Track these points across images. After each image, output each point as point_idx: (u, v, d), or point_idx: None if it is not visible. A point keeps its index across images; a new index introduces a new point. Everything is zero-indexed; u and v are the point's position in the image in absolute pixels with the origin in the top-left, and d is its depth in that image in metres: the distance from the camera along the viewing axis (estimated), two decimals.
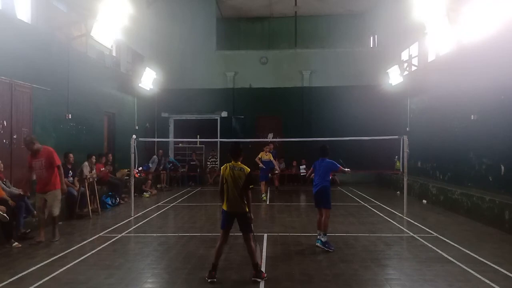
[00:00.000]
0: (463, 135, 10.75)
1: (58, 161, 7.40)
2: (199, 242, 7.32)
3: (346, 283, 5.19)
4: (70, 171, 9.84)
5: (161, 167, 16.05)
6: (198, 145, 18.58)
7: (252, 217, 5.36)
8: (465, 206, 9.71)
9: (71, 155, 9.82)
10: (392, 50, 16.76)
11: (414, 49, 15.11)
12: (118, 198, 11.58)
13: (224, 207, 5.36)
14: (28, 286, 5.02)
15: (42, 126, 9.54)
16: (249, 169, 5.35)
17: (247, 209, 5.28)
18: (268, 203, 12.27)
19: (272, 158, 13.37)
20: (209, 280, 5.17)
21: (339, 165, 7.08)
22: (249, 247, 5.31)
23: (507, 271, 5.54)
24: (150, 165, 15.54)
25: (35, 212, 7.65)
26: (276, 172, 14.63)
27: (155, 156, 16.06)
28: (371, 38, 20.49)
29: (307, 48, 19.07)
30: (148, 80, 15.50)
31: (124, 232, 8.13)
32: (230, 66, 18.62)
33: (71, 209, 9.58)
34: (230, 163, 5.37)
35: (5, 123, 8.25)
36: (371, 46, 20.40)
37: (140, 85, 15.14)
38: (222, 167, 5.43)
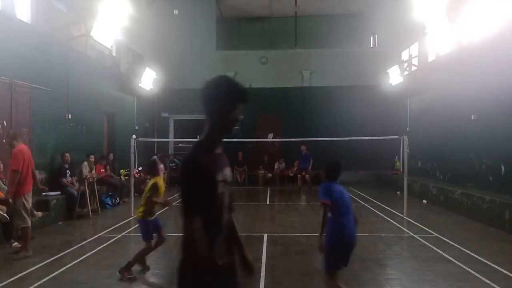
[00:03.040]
0: (463, 135, 10.74)
1: (15, 165, 6.35)
2: None
3: (346, 283, 5.18)
4: (68, 171, 9.86)
5: None
6: None
7: None
8: (465, 206, 9.71)
9: (67, 154, 9.83)
10: (392, 50, 16.75)
11: (414, 49, 15.12)
12: (118, 198, 11.58)
13: None
14: (28, 286, 5.03)
15: (41, 126, 9.52)
16: None
17: None
18: (268, 203, 12.31)
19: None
20: None
21: None
22: None
23: (507, 271, 5.54)
24: None
25: (35, 212, 7.56)
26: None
27: (155, 157, 16.00)
28: (371, 38, 20.47)
29: (307, 48, 19.02)
30: (148, 80, 15.48)
31: (124, 232, 8.14)
32: (230, 66, 18.58)
33: (71, 209, 9.57)
34: None
35: (5, 123, 8.23)
36: (371, 46, 20.37)
37: (140, 85, 15.12)
38: None
